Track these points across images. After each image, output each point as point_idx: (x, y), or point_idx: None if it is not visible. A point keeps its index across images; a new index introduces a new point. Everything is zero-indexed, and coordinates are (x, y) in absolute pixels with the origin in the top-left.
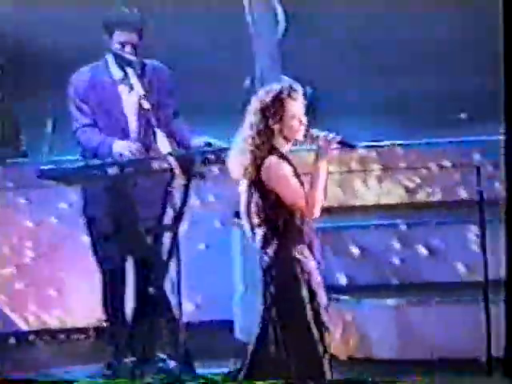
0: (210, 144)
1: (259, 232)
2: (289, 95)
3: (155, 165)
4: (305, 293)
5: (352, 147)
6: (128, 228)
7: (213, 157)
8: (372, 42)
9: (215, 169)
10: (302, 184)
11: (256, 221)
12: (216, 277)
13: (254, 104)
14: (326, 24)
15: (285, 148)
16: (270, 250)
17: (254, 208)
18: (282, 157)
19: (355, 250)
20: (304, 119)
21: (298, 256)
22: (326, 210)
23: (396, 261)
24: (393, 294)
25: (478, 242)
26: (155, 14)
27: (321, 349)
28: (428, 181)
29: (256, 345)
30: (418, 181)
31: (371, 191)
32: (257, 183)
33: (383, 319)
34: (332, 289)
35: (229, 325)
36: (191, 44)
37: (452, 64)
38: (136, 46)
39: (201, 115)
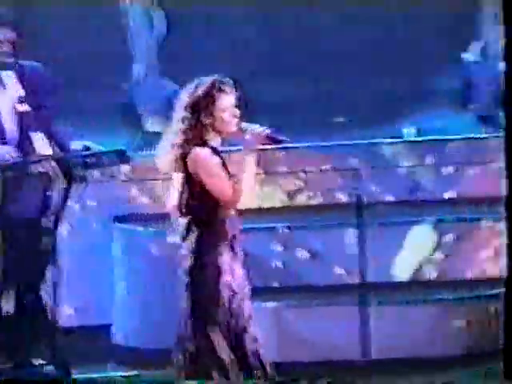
0: (88, 148)
1: (182, 222)
2: (219, 89)
3: (35, 168)
4: (223, 291)
5: (279, 142)
6: (7, 231)
7: (93, 160)
8: (257, 42)
9: (96, 172)
10: (229, 176)
11: (181, 212)
12: (96, 281)
13: (184, 98)
14: (206, 27)
15: (216, 141)
16: (190, 241)
17: (182, 200)
18: (211, 149)
19: None
20: (236, 112)
21: (217, 253)
22: None
23: (277, 264)
24: (274, 296)
25: (357, 244)
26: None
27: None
28: (308, 184)
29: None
30: (299, 184)
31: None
32: (185, 176)
33: (264, 322)
34: None
35: (108, 329)
36: (69, 46)
37: (331, 67)
38: (14, 44)
39: (80, 118)
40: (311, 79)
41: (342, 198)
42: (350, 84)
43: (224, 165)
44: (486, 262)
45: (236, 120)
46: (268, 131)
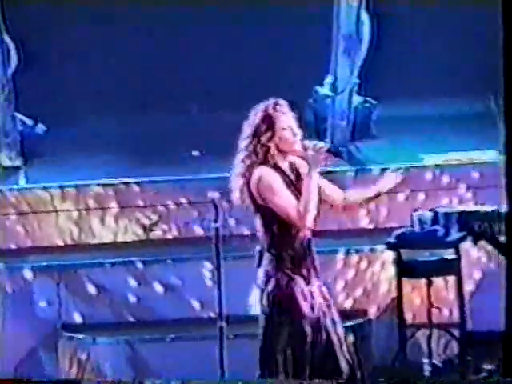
0: None
1: (256, 250)
2: (276, 110)
3: None
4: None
5: (339, 156)
6: None
7: None
8: (103, 80)
9: None
10: (297, 195)
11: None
12: None
13: (245, 129)
14: (60, 62)
15: (284, 162)
16: (264, 268)
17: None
18: (274, 167)
19: (91, 288)
20: (297, 130)
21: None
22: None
23: (132, 298)
24: (128, 331)
25: (213, 277)
26: None
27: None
28: (165, 218)
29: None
30: (155, 218)
31: (108, 229)
32: (253, 204)
33: (119, 357)
34: (67, 327)
35: None
36: None
37: (184, 101)
38: None
39: None
40: (165, 113)
41: (199, 231)
42: (206, 118)
43: (291, 184)
44: (340, 293)
45: (298, 138)
46: (327, 146)
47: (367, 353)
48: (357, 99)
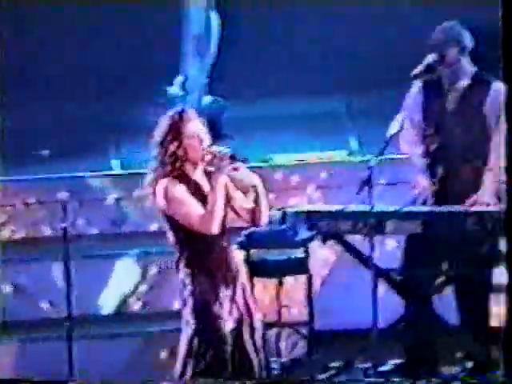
0: None
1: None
2: (180, 117)
3: None
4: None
5: (243, 161)
6: None
7: None
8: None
9: None
10: (203, 202)
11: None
12: None
13: (154, 138)
14: None
15: (195, 172)
16: (180, 276)
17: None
18: (182, 177)
19: None
20: (205, 137)
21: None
22: None
23: None
24: None
25: (62, 278)
26: None
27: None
28: (13, 218)
29: None
30: (3, 218)
31: None
32: (160, 211)
33: None
34: None
35: None
36: None
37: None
38: None
39: None
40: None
41: (48, 231)
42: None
43: (200, 193)
44: None
45: (206, 145)
46: (230, 152)
47: None
48: (207, 99)
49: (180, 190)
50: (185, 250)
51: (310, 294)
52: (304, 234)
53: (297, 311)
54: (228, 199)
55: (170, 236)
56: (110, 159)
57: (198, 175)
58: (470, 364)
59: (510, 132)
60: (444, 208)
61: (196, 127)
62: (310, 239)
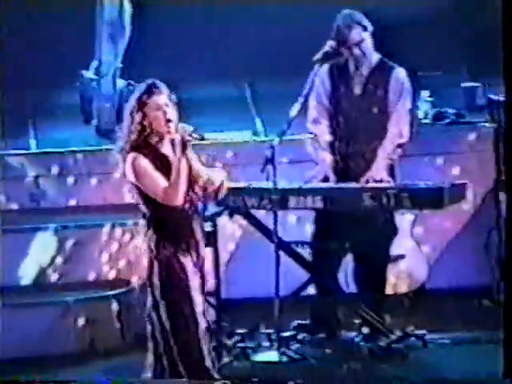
0: None
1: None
2: (149, 90)
3: None
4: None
5: (202, 138)
6: None
7: None
8: None
9: None
10: (167, 174)
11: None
12: None
13: (125, 110)
14: None
15: (162, 145)
16: (147, 244)
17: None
18: (147, 149)
19: None
20: (171, 111)
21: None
22: None
23: None
24: None
25: None
26: None
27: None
28: None
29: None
30: None
31: None
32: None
33: None
34: None
35: None
36: None
37: None
38: None
39: None
40: None
41: None
42: None
43: (165, 165)
44: (105, 265)
45: (172, 119)
46: (191, 128)
47: (130, 320)
48: (120, 82)
49: (145, 163)
50: (152, 218)
51: (217, 266)
52: (212, 208)
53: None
54: (191, 172)
55: (140, 204)
56: (28, 139)
57: (165, 148)
58: (366, 330)
59: (510, 132)
60: (343, 184)
61: (161, 101)
62: (218, 214)
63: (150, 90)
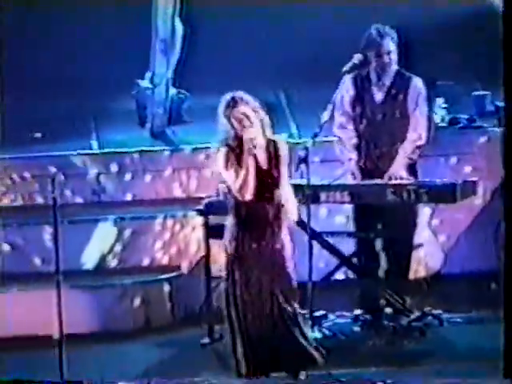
0: None
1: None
2: (232, 100)
3: None
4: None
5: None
6: None
7: None
8: None
9: None
10: (245, 170)
11: None
12: None
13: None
14: None
15: (248, 144)
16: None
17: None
18: (232, 147)
19: None
20: (249, 120)
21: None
22: None
23: None
24: None
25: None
26: None
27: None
28: (11, 189)
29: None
30: (4, 189)
31: None
32: None
33: None
34: None
35: None
36: None
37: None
38: None
39: None
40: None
41: (40, 200)
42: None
43: (236, 161)
44: (158, 252)
45: (249, 126)
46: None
47: (180, 300)
48: (172, 91)
49: (221, 159)
50: (234, 209)
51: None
52: None
53: None
54: (257, 173)
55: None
56: (90, 141)
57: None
58: (389, 310)
59: (510, 133)
60: (367, 181)
61: (243, 110)
62: None
63: (234, 100)
